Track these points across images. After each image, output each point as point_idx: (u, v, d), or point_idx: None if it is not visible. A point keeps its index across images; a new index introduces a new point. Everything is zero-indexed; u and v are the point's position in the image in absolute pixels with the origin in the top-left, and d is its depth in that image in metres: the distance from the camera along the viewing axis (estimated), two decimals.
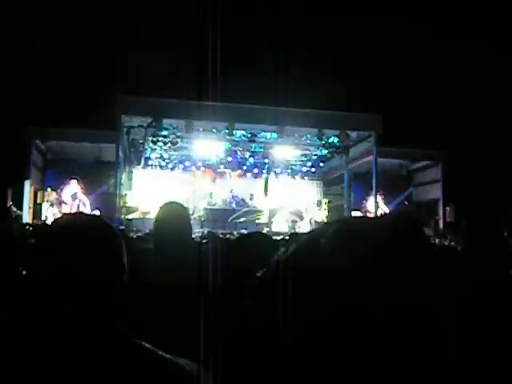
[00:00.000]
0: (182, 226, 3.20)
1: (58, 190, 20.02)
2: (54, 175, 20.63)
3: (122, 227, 14.30)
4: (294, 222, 21.86)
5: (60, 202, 19.93)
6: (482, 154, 21.50)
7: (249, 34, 19.29)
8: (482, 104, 21.06)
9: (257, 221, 22.27)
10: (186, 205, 4.36)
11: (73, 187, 20.03)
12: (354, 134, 20.30)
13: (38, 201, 19.72)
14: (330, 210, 23.04)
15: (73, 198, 19.97)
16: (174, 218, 3.17)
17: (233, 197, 22.94)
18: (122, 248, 1.62)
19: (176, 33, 19.91)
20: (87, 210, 19.63)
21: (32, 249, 1.64)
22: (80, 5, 18.77)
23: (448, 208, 21.30)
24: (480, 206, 18.87)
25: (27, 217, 18.28)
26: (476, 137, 21.68)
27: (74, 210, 19.66)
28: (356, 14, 20.37)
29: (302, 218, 22.28)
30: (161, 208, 3.26)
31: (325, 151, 22.22)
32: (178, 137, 20.53)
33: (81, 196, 20.15)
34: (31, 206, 18.90)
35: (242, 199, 23.09)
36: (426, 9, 20.13)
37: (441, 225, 21.43)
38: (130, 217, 20.07)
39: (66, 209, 19.74)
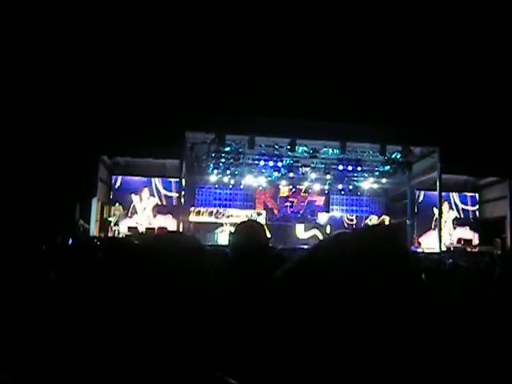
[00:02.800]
0: (263, 245, 3.06)
1: (126, 204, 20.71)
2: (120, 190, 21.19)
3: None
4: None
5: (131, 214, 20.63)
6: None
7: (320, 51, 19.41)
8: None
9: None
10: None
11: (144, 200, 20.82)
12: (417, 150, 20.08)
13: (105, 215, 20.36)
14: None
15: (143, 210, 20.71)
16: (253, 237, 3.01)
17: (292, 212, 23.07)
18: (210, 269, 1.52)
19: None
20: (159, 222, 20.26)
21: (120, 266, 1.56)
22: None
23: None
24: None
25: (94, 230, 18.83)
26: None
27: (146, 223, 20.36)
28: (417, 26, 20.22)
29: None
30: (238, 226, 3.11)
31: (387, 167, 21.99)
32: (240, 153, 20.84)
33: (149, 208, 20.83)
34: (98, 219, 19.43)
35: (302, 215, 23.21)
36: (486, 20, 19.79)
37: (508, 243, 20.76)
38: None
39: (139, 221, 20.45)
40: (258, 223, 3.32)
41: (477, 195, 23.44)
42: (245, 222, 3.24)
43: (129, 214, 20.87)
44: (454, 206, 22.89)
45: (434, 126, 18.82)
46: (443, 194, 20.53)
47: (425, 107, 18.57)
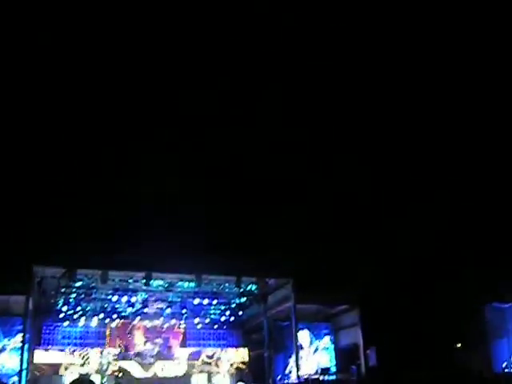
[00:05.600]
0: None
1: None
2: None
3: None
4: (210, 373, 21.50)
5: None
6: (398, 295, 21.93)
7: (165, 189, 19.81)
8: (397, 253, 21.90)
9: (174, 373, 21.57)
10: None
11: None
12: (272, 281, 20.40)
13: None
14: (250, 357, 22.60)
15: None
16: None
17: (148, 350, 22.15)
18: None
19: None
20: None
21: None
22: None
23: (368, 351, 21.12)
24: (399, 349, 19.04)
25: None
26: (391, 278, 22.23)
27: None
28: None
29: (218, 366, 21.87)
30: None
31: (243, 299, 22.04)
32: (92, 288, 19.91)
33: None
34: None
35: (159, 351, 22.32)
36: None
37: (363, 370, 21.14)
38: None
39: None
40: (91, 381, 3.80)
41: (330, 323, 23.95)
42: (77, 379, 3.81)
43: None
44: (310, 335, 23.12)
45: (288, 258, 19.43)
46: (300, 323, 20.77)
47: (278, 239, 19.21)
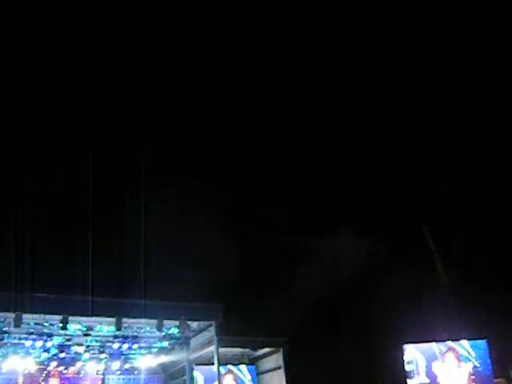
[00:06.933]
0: None
1: None
2: None
3: None
4: None
5: None
6: (322, 338, 22.07)
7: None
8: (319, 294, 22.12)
9: None
10: None
11: None
12: (194, 325, 20.10)
13: None
14: None
15: None
16: None
17: None
18: None
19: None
20: None
21: None
22: None
23: None
24: None
25: None
26: (312, 320, 22.38)
27: None
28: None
29: None
30: None
31: (165, 343, 21.53)
32: (4, 332, 18.90)
33: None
34: None
35: None
36: None
37: None
38: None
39: None
40: None
41: (254, 366, 23.75)
42: None
43: None
44: (235, 378, 22.82)
45: (210, 301, 19.26)
46: (224, 366, 20.54)
47: (201, 283, 19.04)
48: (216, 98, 21.10)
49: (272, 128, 21.60)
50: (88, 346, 20.92)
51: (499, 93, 19.03)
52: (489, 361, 19.07)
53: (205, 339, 20.45)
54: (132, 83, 20.19)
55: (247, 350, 23.07)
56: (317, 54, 20.46)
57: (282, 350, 21.87)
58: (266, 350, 22.76)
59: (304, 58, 20.62)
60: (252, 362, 23.89)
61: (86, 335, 19.88)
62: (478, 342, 19.45)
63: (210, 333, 19.77)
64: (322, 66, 20.66)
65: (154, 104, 20.92)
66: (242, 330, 20.13)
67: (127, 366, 22.84)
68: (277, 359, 22.26)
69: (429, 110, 20.48)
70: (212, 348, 19.79)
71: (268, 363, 23.08)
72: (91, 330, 19.49)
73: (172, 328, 19.90)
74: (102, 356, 21.61)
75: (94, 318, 18.72)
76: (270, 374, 22.95)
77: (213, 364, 19.94)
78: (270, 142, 21.79)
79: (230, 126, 21.62)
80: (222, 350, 19.70)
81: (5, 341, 19.45)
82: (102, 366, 22.44)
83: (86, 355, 21.27)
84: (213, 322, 19.34)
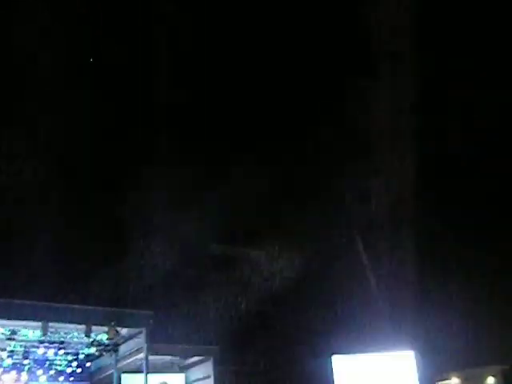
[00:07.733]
0: None
1: None
2: None
3: None
4: None
5: None
6: (253, 348, 22.20)
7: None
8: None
9: None
10: None
11: None
12: (124, 331, 19.76)
13: None
14: None
15: None
16: None
17: None
18: None
19: None
20: None
21: None
22: None
23: None
24: None
25: None
26: (245, 330, 22.50)
27: None
28: None
29: None
30: None
31: (93, 349, 21.03)
32: None
33: None
34: None
35: None
36: None
37: None
38: None
39: None
40: None
41: (184, 375, 23.57)
42: None
43: None
44: None
45: (140, 307, 19.03)
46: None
47: (131, 290, 18.86)
48: None
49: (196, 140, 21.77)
50: (11, 351, 20.17)
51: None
52: (416, 373, 19.59)
53: (134, 346, 20.11)
54: None
55: (177, 358, 22.91)
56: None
57: (212, 359, 21.83)
58: (196, 358, 22.66)
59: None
60: (182, 370, 23.73)
61: (9, 339, 19.13)
62: (407, 353, 19.96)
63: (140, 340, 19.45)
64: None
65: None
66: (173, 337, 20.01)
67: (52, 372, 22.12)
68: (207, 368, 22.19)
69: None
70: (141, 355, 19.48)
71: (198, 372, 22.97)
72: (15, 333, 18.79)
73: (100, 334, 19.45)
74: (26, 362, 20.85)
75: (19, 322, 18.11)
76: (199, 383, 22.85)
77: (141, 372, 19.65)
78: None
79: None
80: (151, 357, 19.42)
81: None
82: (25, 373, 21.65)
83: (9, 360, 20.48)
84: (143, 329, 19.03)
